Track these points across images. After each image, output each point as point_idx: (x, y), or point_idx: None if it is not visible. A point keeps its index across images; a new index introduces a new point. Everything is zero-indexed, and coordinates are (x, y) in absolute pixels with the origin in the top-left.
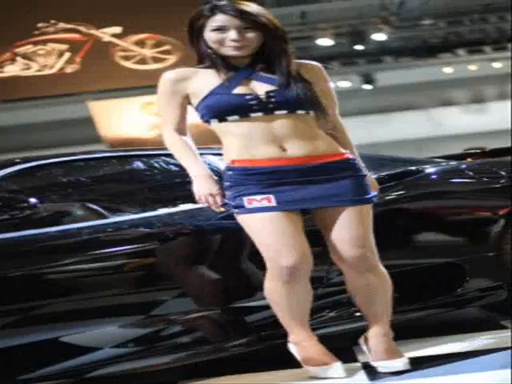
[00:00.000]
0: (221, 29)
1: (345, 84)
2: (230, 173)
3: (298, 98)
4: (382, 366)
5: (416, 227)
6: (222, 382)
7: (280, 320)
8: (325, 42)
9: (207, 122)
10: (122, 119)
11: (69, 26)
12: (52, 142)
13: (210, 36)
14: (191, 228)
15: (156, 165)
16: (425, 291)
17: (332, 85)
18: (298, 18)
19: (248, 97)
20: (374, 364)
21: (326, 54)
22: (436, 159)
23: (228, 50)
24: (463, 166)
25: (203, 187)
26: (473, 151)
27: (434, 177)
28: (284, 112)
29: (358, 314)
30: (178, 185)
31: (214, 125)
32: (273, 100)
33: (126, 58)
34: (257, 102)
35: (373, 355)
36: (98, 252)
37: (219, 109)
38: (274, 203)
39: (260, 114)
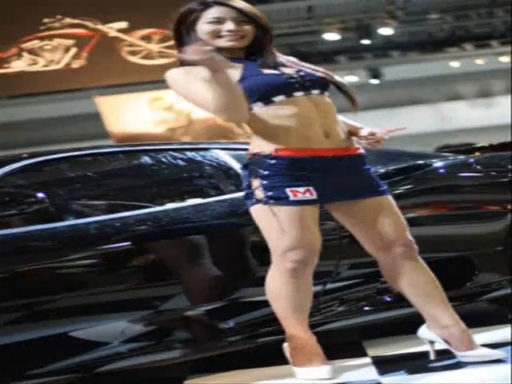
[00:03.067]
0: (217, 21)
1: (351, 79)
2: (273, 161)
3: (322, 78)
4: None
5: (424, 221)
6: (230, 376)
7: (280, 318)
8: (331, 36)
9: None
10: (129, 114)
11: (75, 21)
12: (59, 138)
13: (203, 28)
14: (198, 223)
15: (164, 160)
16: None
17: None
18: (304, 13)
19: (285, 75)
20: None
21: (333, 48)
22: (443, 153)
23: (224, 41)
24: (471, 160)
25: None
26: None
27: (441, 171)
28: (317, 92)
29: (367, 308)
30: (185, 179)
31: (258, 110)
32: (307, 78)
33: (133, 53)
34: (296, 80)
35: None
36: (106, 247)
37: (265, 88)
38: (315, 196)
39: (301, 93)
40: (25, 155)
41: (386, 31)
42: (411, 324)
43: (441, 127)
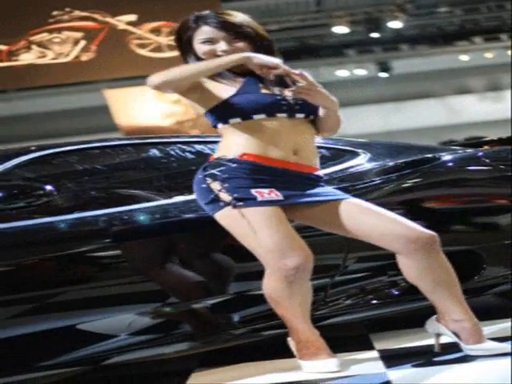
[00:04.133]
0: (209, 41)
1: (361, 72)
2: (235, 165)
3: (311, 104)
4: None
5: (432, 215)
6: (237, 369)
7: (282, 318)
8: (341, 29)
9: (225, 122)
10: (138, 107)
11: (84, 13)
12: (68, 131)
13: (200, 48)
14: (207, 215)
15: (172, 152)
16: None
17: (346, 73)
18: (313, 6)
19: (278, 97)
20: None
21: (342, 41)
22: (453, 147)
23: None
24: (480, 154)
25: None
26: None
27: (450, 164)
28: (302, 116)
29: (374, 301)
30: (194, 172)
31: (233, 123)
32: (300, 102)
33: (142, 46)
34: (286, 103)
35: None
36: (114, 239)
37: (250, 107)
38: (280, 196)
39: (285, 114)
40: (33, 148)
41: (395, 24)
42: (418, 317)
43: (450, 121)
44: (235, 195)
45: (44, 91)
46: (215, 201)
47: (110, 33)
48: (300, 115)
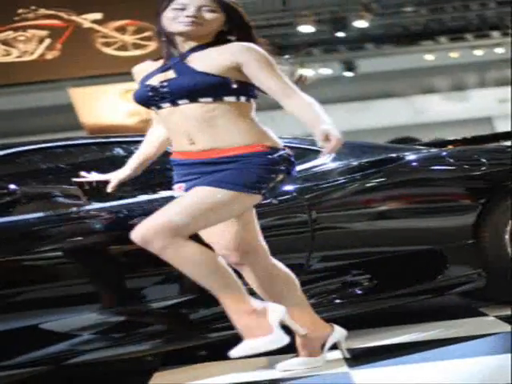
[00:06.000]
0: (181, 8)
1: (326, 71)
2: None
3: (195, 85)
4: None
5: (396, 214)
6: (200, 368)
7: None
8: (306, 28)
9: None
10: (102, 106)
11: (49, 12)
12: (32, 129)
13: (166, 14)
14: None
15: (136, 151)
16: (405, 278)
17: (312, 72)
18: (279, 5)
19: (148, 88)
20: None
21: (308, 40)
22: (417, 146)
23: (179, 26)
24: (444, 153)
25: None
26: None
27: (414, 164)
28: (186, 101)
29: (338, 301)
30: (158, 171)
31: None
32: (164, 90)
33: (107, 45)
34: (153, 94)
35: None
36: (76, 239)
37: (137, 101)
38: (182, 192)
39: (168, 104)
40: None
41: (360, 24)
42: (382, 316)
43: (415, 120)
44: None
45: (8, 89)
46: None
47: (75, 31)
48: (183, 101)
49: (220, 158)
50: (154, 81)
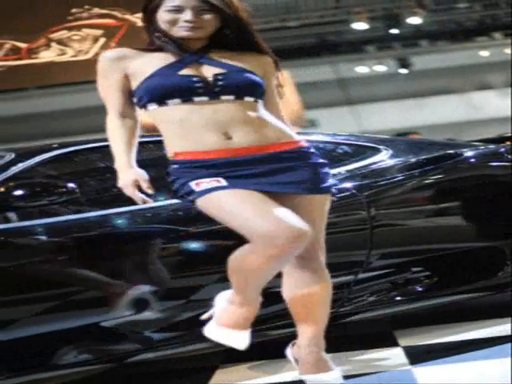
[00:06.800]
0: (176, 9)
1: (380, 68)
2: (175, 166)
3: (247, 83)
4: (310, 379)
5: (455, 211)
6: (262, 366)
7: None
8: (360, 25)
9: (144, 107)
10: None
11: (103, 11)
12: (88, 128)
13: (162, 16)
14: None
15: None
16: (465, 275)
17: (366, 69)
18: (332, 2)
19: (194, 78)
20: (302, 377)
21: (361, 37)
22: (474, 143)
23: (180, 31)
24: (502, 150)
25: (123, 178)
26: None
27: (472, 160)
28: (231, 97)
29: (398, 298)
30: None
31: (153, 111)
32: (220, 83)
33: None
34: (203, 85)
35: (300, 367)
36: (137, 237)
37: (161, 90)
38: (224, 183)
39: (205, 98)
40: (55, 145)
41: (414, 20)
42: (442, 314)
43: (470, 117)
44: (181, 193)
45: (64, 89)
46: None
47: (129, 30)
48: (227, 97)
49: (281, 152)
50: (191, 72)
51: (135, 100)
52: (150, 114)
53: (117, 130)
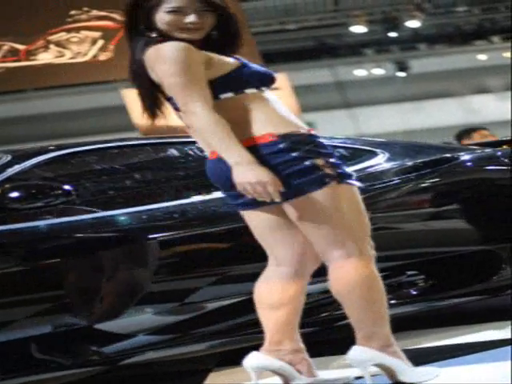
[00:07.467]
0: (178, 10)
1: (379, 71)
2: (315, 140)
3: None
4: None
5: (451, 214)
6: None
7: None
8: (358, 29)
9: (217, 97)
10: None
11: (101, 13)
12: (85, 130)
13: (162, 18)
14: (225, 215)
15: (190, 152)
16: (460, 279)
17: (364, 72)
18: (331, 5)
19: (261, 69)
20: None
21: (360, 41)
22: (471, 146)
23: (183, 33)
24: (498, 153)
25: (261, 174)
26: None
27: (469, 164)
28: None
29: (393, 301)
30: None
31: (227, 98)
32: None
33: None
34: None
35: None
36: (134, 240)
37: (256, 80)
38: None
39: (255, 90)
40: (52, 147)
41: (413, 24)
42: (440, 317)
43: (468, 120)
44: (339, 171)
45: (62, 91)
46: (322, 177)
47: None
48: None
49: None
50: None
51: (219, 87)
52: (238, 97)
53: (220, 123)
